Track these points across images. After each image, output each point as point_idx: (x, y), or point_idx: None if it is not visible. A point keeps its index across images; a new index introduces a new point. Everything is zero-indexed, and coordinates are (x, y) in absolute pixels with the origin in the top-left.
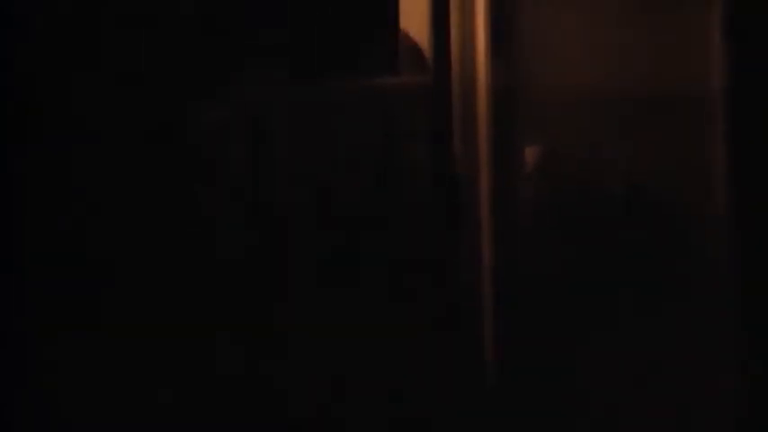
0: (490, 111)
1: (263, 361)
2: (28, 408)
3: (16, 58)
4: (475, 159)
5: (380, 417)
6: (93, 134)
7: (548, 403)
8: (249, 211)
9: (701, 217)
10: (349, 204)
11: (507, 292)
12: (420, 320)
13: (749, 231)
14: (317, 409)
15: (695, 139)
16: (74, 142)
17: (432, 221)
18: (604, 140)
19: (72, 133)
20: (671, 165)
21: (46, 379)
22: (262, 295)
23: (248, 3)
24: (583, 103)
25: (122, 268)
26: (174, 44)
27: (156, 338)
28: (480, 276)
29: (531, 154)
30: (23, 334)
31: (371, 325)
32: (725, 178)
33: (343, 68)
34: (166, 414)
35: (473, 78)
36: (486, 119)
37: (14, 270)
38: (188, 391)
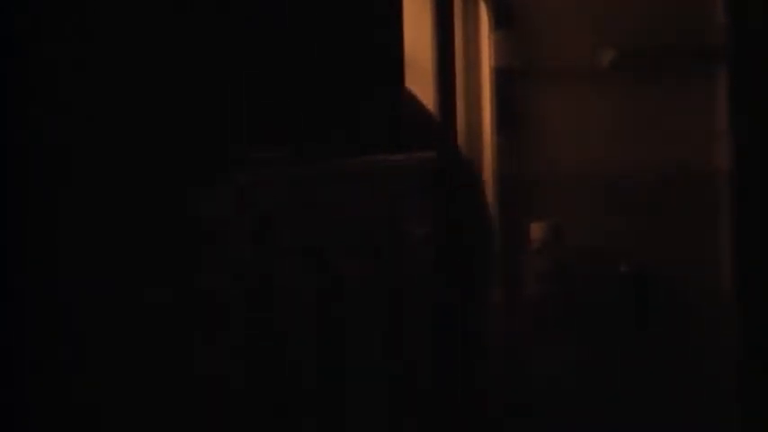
0: (496, 187)
1: None
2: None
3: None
4: None
5: None
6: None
7: None
8: (253, 292)
9: (707, 295)
10: (351, 282)
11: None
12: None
13: (754, 309)
14: None
15: (700, 218)
16: (72, 227)
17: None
18: (609, 218)
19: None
20: (676, 243)
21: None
22: (265, 382)
23: (249, 81)
24: (588, 181)
25: (121, 359)
26: (175, 124)
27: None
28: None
29: (536, 230)
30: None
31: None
32: (730, 257)
33: (347, 145)
34: None
35: (479, 155)
36: (492, 195)
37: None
38: None
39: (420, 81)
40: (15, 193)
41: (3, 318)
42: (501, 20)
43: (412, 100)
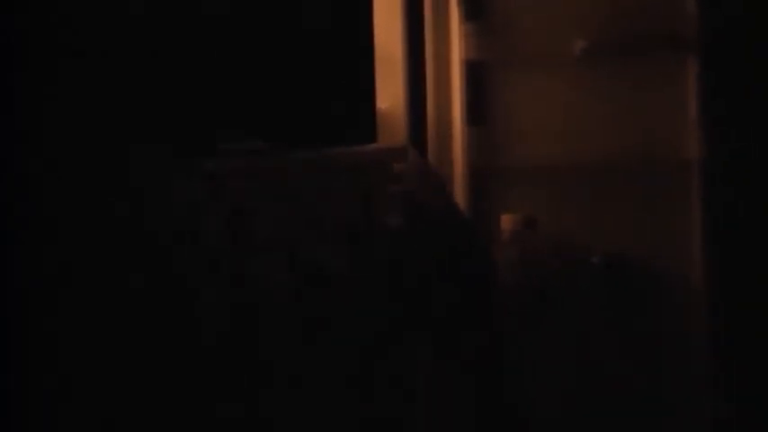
0: (467, 179)
1: None
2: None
3: None
4: None
5: None
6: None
7: None
8: (227, 284)
9: (678, 285)
10: (325, 273)
11: None
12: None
13: (726, 299)
14: None
15: (671, 208)
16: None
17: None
18: (580, 209)
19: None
20: (647, 233)
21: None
22: (241, 372)
23: (223, 73)
24: (559, 172)
25: (98, 342)
26: (149, 115)
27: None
28: None
29: (507, 221)
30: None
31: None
32: (700, 248)
33: (318, 139)
34: None
35: (449, 146)
36: (463, 187)
37: None
38: None
39: (390, 73)
40: None
41: None
42: (471, 12)
43: None
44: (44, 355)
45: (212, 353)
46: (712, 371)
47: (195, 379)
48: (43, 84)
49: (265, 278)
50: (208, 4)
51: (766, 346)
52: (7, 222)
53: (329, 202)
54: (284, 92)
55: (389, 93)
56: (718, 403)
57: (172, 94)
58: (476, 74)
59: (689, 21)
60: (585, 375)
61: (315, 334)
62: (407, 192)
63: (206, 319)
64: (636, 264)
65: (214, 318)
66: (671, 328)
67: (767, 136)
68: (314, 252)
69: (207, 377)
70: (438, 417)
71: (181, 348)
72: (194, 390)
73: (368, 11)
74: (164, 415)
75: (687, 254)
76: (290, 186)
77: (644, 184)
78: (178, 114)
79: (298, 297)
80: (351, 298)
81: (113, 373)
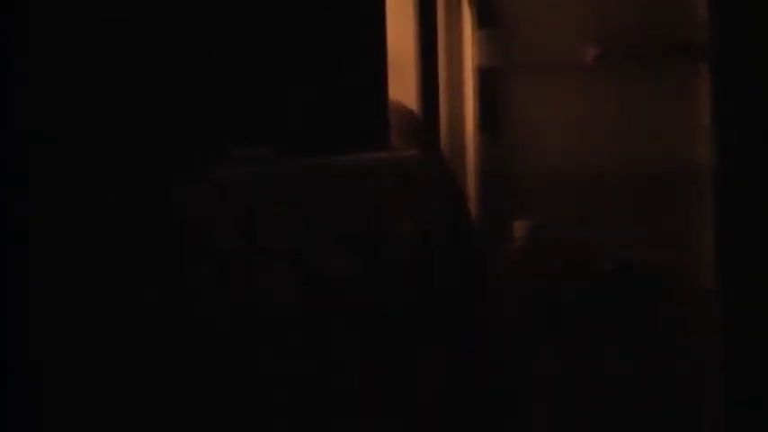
0: (479, 185)
1: None
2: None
3: None
4: None
5: None
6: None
7: None
8: (231, 288)
9: (690, 292)
10: (330, 278)
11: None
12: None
13: (738, 305)
14: None
15: (683, 214)
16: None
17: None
18: (592, 215)
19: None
20: (659, 240)
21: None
22: (243, 374)
23: (232, 79)
24: (571, 179)
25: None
26: (156, 120)
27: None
28: None
29: (519, 228)
30: None
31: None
32: (713, 255)
33: (329, 145)
34: None
35: (462, 152)
36: (475, 193)
37: None
38: None
39: (403, 80)
40: None
41: None
42: (484, 19)
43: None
44: (44, 355)
45: (216, 356)
46: (724, 376)
47: (197, 380)
48: (49, 84)
49: (270, 282)
50: (215, 5)
51: None
52: (7, 222)
53: (336, 208)
54: (296, 98)
55: (402, 100)
56: (732, 410)
57: (178, 98)
58: (488, 81)
59: (701, 28)
60: (596, 380)
61: (319, 338)
62: (419, 199)
63: (210, 323)
64: (647, 270)
65: (218, 321)
66: (683, 334)
67: None
68: (320, 257)
69: (209, 379)
70: (438, 418)
71: (184, 351)
72: (196, 390)
73: (381, 18)
74: (164, 415)
75: (699, 260)
76: (296, 191)
77: (656, 190)
78: (184, 118)
79: (302, 301)
80: (356, 303)
81: (114, 374)
